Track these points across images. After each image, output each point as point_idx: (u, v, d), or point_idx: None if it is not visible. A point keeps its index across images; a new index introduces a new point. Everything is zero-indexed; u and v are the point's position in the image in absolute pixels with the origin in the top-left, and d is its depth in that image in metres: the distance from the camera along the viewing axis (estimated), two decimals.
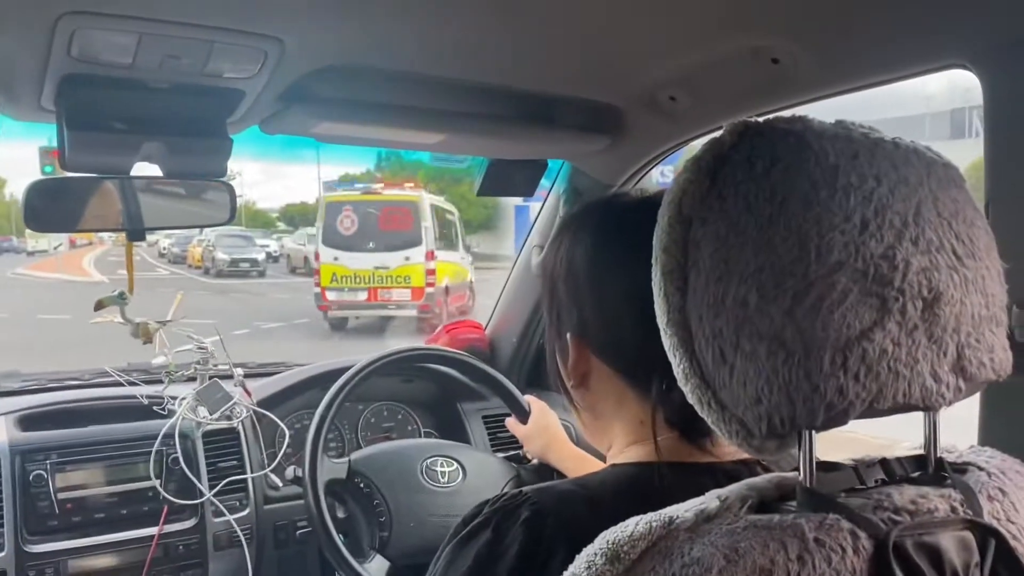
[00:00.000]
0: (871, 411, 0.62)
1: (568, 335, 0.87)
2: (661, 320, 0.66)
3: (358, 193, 11.84)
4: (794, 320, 0.58)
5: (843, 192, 0.61)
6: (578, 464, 1.51)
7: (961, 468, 0.73)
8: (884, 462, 0.69)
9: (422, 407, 2.06)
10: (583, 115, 1.49)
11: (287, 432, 1.79)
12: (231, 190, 1.46)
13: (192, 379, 1.84)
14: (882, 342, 0.59)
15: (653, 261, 0.66)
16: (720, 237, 0.62)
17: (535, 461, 1.67)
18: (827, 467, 0.67)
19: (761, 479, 0.68)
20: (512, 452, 1.76)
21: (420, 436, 2.03)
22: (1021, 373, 1.09)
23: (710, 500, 0.64)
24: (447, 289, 11.64)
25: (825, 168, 0.62)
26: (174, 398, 1.77)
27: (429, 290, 11.06)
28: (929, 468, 0.70)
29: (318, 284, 11.47)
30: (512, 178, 1.71)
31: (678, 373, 0.65)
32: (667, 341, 0.65)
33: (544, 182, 1.80)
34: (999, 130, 1.08)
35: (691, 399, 0.65)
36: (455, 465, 1.65)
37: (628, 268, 0.78)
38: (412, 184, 12.14)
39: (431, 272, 11.04)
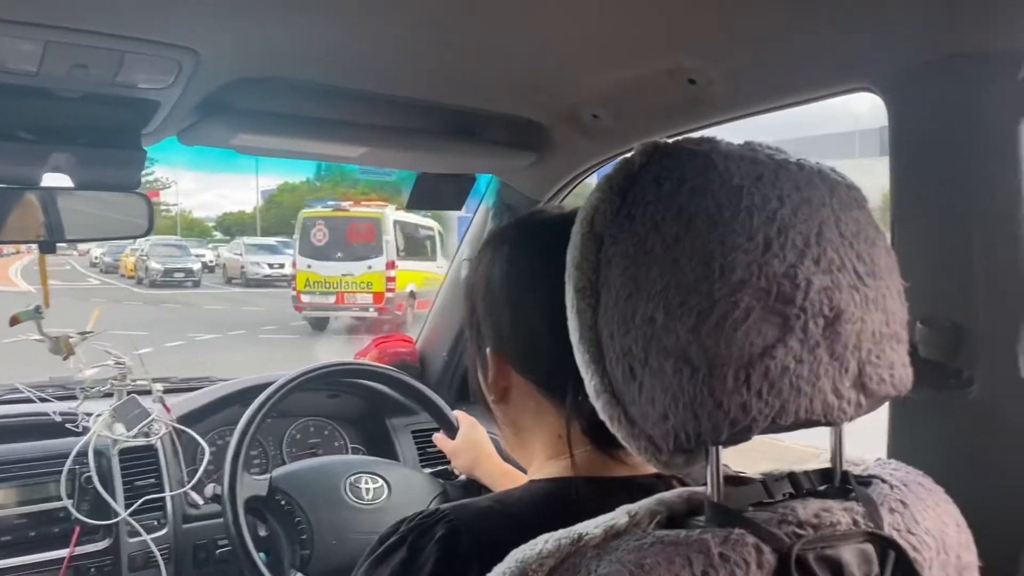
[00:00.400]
0: (774, 427, 0.63)
1: (487, 350, 0.88)
2: (574, 336, 0.66)
3: (330, 210, 13.74)
4: (699, 338, 0.59)
5: (747, 212, 0.62)
6: (506, 479, 1.51)
7: (866, 481, 0.75)
8: (792, 476, 0.70)
9: (349, 422, 2.03)
10: (509, 131, 1.50)
11: (207, 449, 1.74)
12: (148, 201, 1.42)
13: (109, 395, 1.78)
14: (784, 359, 0.60)
15: (567, 278, 0.67)
16: (629, 256, 0.63)
17: (463, 477, 1.67)
18: (736, 481, 0.68)
19: (671, 494, 0.68)
20: (440, 468, 1.74)
21: (347, 452, 2.00)
22: (926, 388, 1.13)
23: (619, 516, 0.65)
24: (412, 294, 13.26)
25: (730, 189, 0.63)
26: (89, 415, 1.71)
27: (389, 295, 12.75)
28: (835, 481, 0.72)
29: (294, 288, 13.40)
30: (441, 192, 1.71)
31: (590, 389, 0.66)
32: (579, 357, 0.66)
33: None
34: (903, 153, 1.11)
35: (602, 415, 0.65)
36: (380, 482, 1.63)
37: (543, 284, 0.79)
38: (380, 202, 13.86)
39: (391, 279, 12.72)
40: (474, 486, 1.61)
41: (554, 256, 0.71)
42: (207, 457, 1.73)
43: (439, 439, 1.69)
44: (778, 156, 0.68)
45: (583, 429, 0.82)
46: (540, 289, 0.81)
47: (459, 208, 1.78)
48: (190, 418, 1.79)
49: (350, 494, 1.59)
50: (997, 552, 1.11)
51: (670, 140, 0.67)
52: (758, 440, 0.64)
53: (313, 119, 1.31)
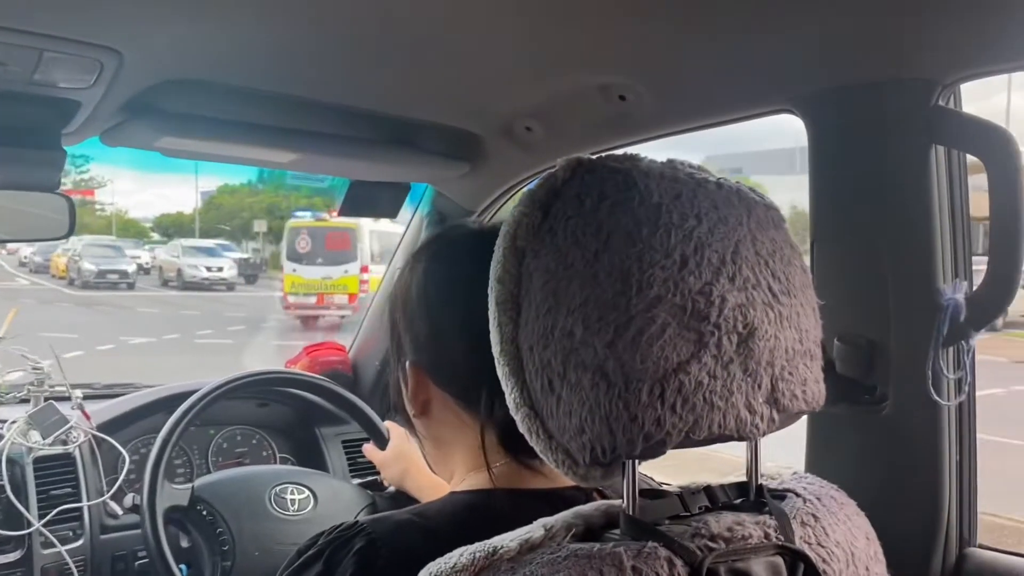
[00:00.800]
0: (688, 441, 0.64)
1: (407, 363, 0.87)
2: (495, 349, 0.66)
3: (312, 220, 15.50)
4: (615, 352, 0.60)
5: (665, 230, 0.63)
6: (435, 492, 1.49)
7: (780, 495, 0.77)
8: (708, 489, 0.71)
9: (278, 432, 1.99)
10: (443, 141, 1.49)
11: (128, 458, 1.69)
12: (70, 202, 1.38)
13: (25, 401, 1.72)
14: (698, 374, 0.62)
15: (489, 291, 0.67)
16: (550, 270, 0.63)
17: (392, 488, 1.65)
18: (654, 495, 0.69)
19: (589, 507, 0.69)
20: (370, 478, 1.72)
21: (276, 462, 1.96)
22: (843, 403, 1.17)
23: (536, 529, 0.65)
24: None
25: (649, 206, 0.64)
26: (3, 422, 1.64)
27: (362, 295, 14.11)
28: (751, 495, 0.73)
29: (282, 290, 15.12)
30: (375, 199, 1.70)
31: (510, 402, 0.66)
32: (500, 370, 0.66)
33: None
34: (821, 174, 1.15)
35: (521, 428, 0.65)
36: (306, 492, 1.60)
37: (460, 297, 0.79)
38: None
39: (364, 282, 14.13)
40: (403, 498, 1.59)
41: (472, 270, 0.71)
42: (127, 466, 1.68)
43: (368, 450, 1.68)
44: (698, 175, 0.70)
45: (502, 441, 0.82)
46: (457, 302, 0.81)
47: (394, 216, 1.77)
48: (111, 426, 1.74)
49: (275, 505, 1.56)
50: (907, 563, 1.15)
51: (593, 156, 0.68)
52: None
53: (241, 123, 1.29)
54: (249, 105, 1.27)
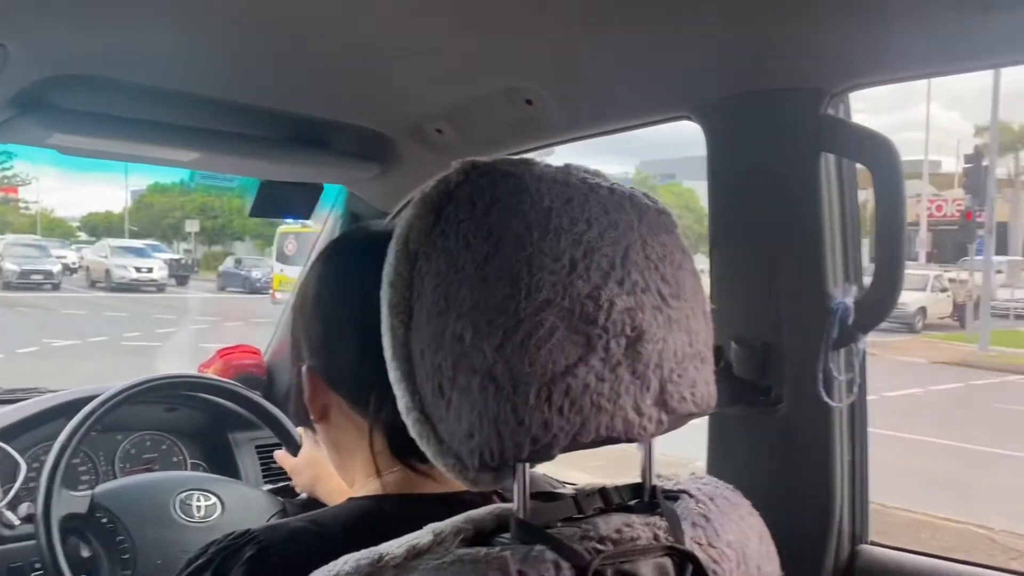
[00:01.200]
0: (575, 444, 0.64)
1: (304, 367, 0.86)
2: (387, 353, 0.65)
3: (299, 226, 16.71)
4: (504, 356, 0.60)
5: (555, 234, 0.63)
6: (345, 498, 1.48)
7: (674, 496, 0.77)
8: (603, 491, 0.71)
9: (189, 437, 1.94)
10: (353, 142, 1.48)
11: (24, 465, 1.63)
12: None
13: None
14: (586, 377, 0.62)
15: (381, 295, 0.66)
16: (441, 273, 0.63)
17: (304, 495, 1.62)
18: (548, 497, 0.69)
19: (482, 511, 0.68)
20: (282, 484, 1.69)
21: (186, 467, 1.92)
22: (740, 405, 1.19)
23: (424, 535, 0.64)
24: None
25: (539, 210, 0.64)
26: None
27: None
28: (644, 496, 0.73)
29: (271, 288, 15.97)
30: (287, 200, 1.67)
31: (401, 406, 0.65)
32: (392, 374, 0.65)
33: None
34: (719, 180, 1.17)
35: (412, 432, 0.64)
36: (213, 499, 1.56)
37: (354, 301, 0.78)
38: None
39: None
40: (315, 504, 1.56)
41: (366, 273, 0.70)
42: (23, 474, 1.62)
43: (280, 456, 1.64)
44: (591, 180, 0.70)
45: (394, 446, 0.81)
46: (351, 305, 0.80)
47: (307, 217, 1.74)
48: (8, 432, 1.67)
49: (179, 512, 1.52)
50: (801, 561, 1.18)
51: (488, 160, 0.68)
52: None
53: (140, 121, 1.25)
54: (148, 102, 1.24)
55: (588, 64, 1.16)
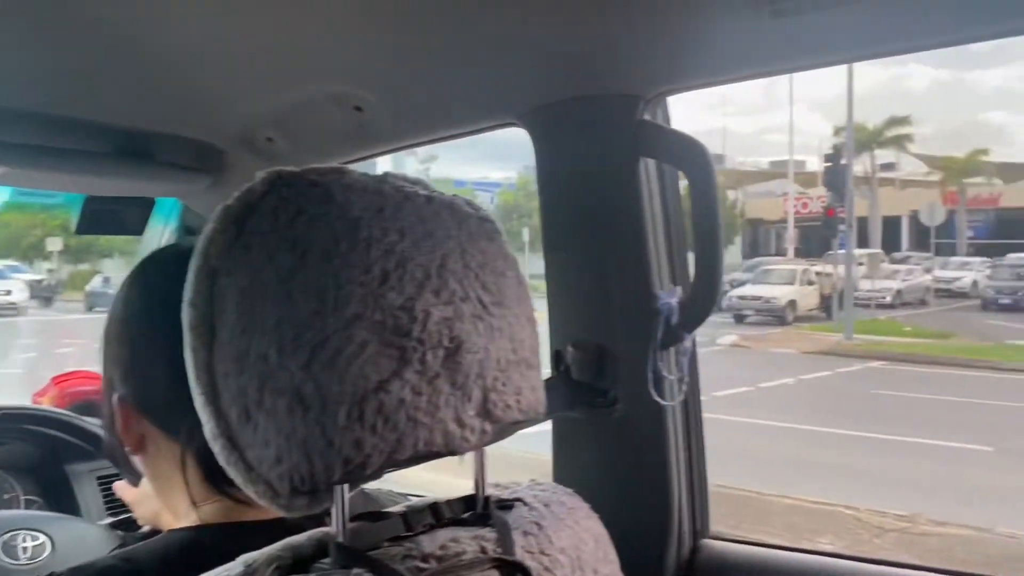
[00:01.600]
0: (392, 462, 0.61)
1: (114, 396, 0.81)
2: (190, 377, 0.62)
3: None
4: (312, 374, 0.57)
5: (364, 245, 0.61)
6: (219, 514, 1.42)
7: (508, 505, 0.76)
8: (434, 506, 0.70)
9: (22, 472, 1.82)
10: (180, 153, 1.41)
11: None
12: None
13: None
14: (400, 392, 0.60)
15: (183, 315, 0.62)
16: (243, 290, 0.60)
17: (147, 528, 1.54)
18: (375, 517, 0.67)
19: (301, 536, 0.65)
20: (124, 517, 1.60)
21: (20, 505, 1.79)
22: (579, 407, 1.20)
23: (235, 567, 0.61)
24: None
25: (347, 221, 0.61)
26: None
27: None
28: (477, 508, 0.72)
29: None
30: (116, 216, 1.58)
31: (208, 433, 0.61)
32: (196, 400, 0.61)
33: None
34: (549, 186, 1.18)
35: (220, 460, 0.61)
36: (42, 538, 1.46)
37: (159, 323, 0.74)
38: None
39: None
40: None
41: (172, 292, 0.66)
42: None
43: (119, 487, 1.54)
44: (408, 189, 0.68)
45: (211, 475, 0.77)
46: (157, 328, 0.76)
47: (139, 233, 1.66)
48: None
49: (4, 554, 1.41)
50: (644, 559, 1.20)
51: (295, 169, 0.65)
52: None
53: None
54: None
55: (414, 71, 1.14)
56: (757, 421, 9.20)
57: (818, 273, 18.57)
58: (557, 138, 1.14)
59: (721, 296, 1.06)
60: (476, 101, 1.19)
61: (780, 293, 17.74)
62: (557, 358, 1.21)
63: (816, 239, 22.41)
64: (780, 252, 27.81)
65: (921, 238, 25.64)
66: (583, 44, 1.02)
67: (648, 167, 1.13)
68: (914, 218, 24.89)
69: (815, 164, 27.77)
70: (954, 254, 24.54)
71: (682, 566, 1.22)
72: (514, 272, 0.73)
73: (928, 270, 21.46)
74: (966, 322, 16.56)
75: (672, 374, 1.15)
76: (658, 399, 1.12)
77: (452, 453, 0.67)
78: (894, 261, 22.47)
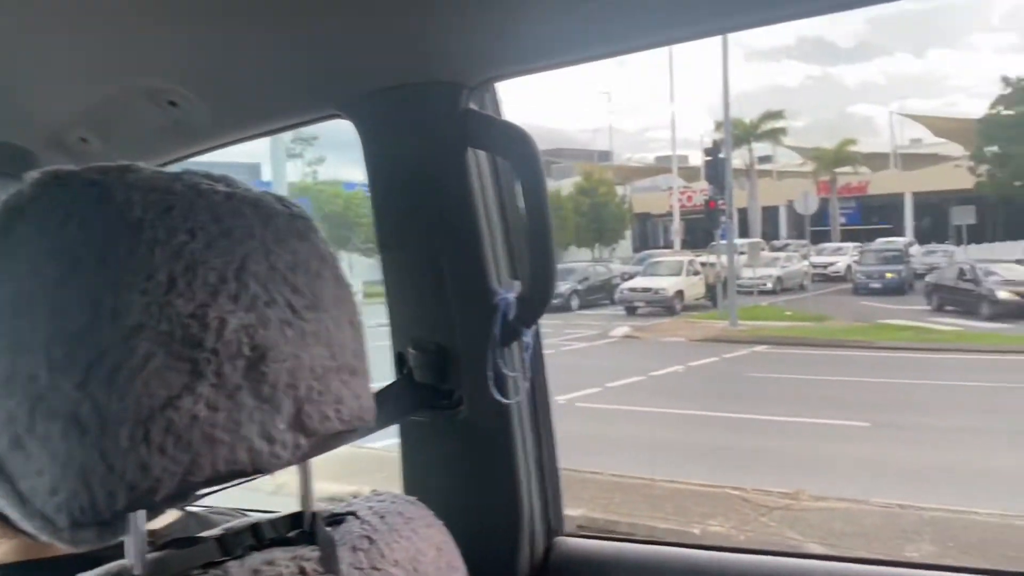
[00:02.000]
0: (189, 485, 0.56)
1: None
2: None
3: None
4: (89, 394, 0.52)
5: (147, 248, 0.56)
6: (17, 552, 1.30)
7: (339, 520, 0.72)
8: (256, 527, 0.66)
9: None
10: None
11: None
12: None
13: None
14: (193, 408, 0.55)
15: None
16: (9, 303, 0.54)
17: None
18: (184, 543, 0.62)
19: (96, 571, 0.59)
20: None
21: None
22: (424, 410, 1.15)
23: None
24: None
25: (127, 223, 0.56)
26: None
27: None
28: (304, 525, 0.68)
29: None
30: None
31: None
32: None
33: None
34: (378, 180, 1.12)
35: None
36: None
37: None
38: None
39: None
40: None
41: None
42: None
43: None
44: (204, 185, 0.63)
45: None
46: None
47: None
48: None
49: None
50: (496, 562, 1.17)
51: (72, 168, 0.59)
52: None
53: None
54: None
55: (229, 62, 1.08)
56: (649, 409, 9.42)
57: (703, 264, 19.21)
58: (383, 129, 1.09)
59: (555, 289, 1.03)
60: (296, 93, 1.13)
61: (668, 284, 18.26)
62: (399, 361, 1.16)
63: (701, 231, 23.23)
64: (668, 244, 28.73)
65: (798, 226, 26.92)
66: (404, 30, 0.97)
67: (480, 158, 1.09)
68: (791, 207, 26.09)
69: (698, 159, 28.74)
70: (829, 240, 25.85)
71: (535, 566, 1.19)
72: (332, 272, 0.69)
73: (805, 256, 22.53)
74: (842, 305, 17.46)
75: (515, 371, 1.12)
76: (500, 398, 1.08)
77: (260, 472, 0.63)
78: (774, 249, 23.48)
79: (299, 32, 0.98)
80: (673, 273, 18.79)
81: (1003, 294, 14.78)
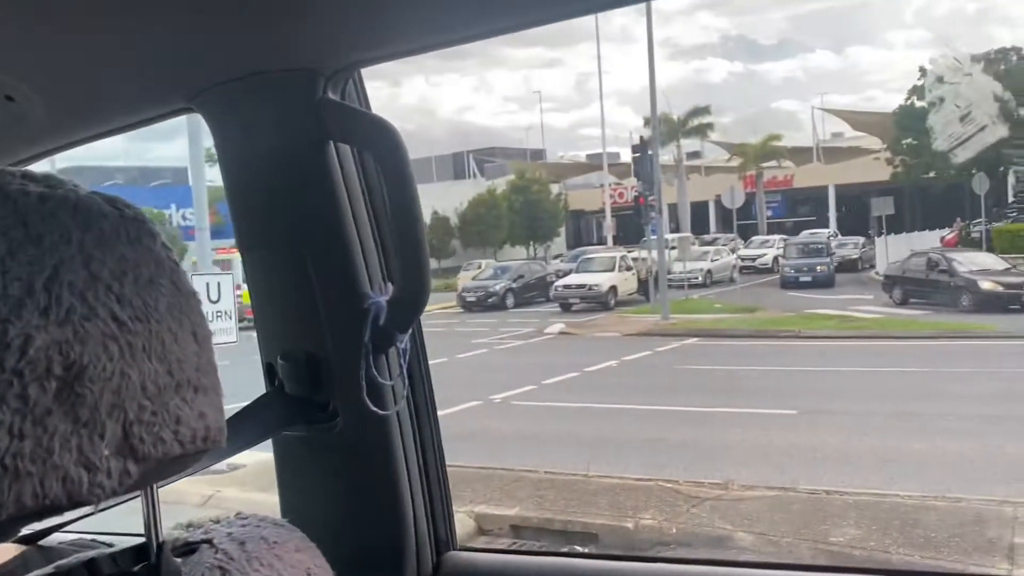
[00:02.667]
0: None
1: None
2: None
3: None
4: None
5: None
6: None
7: (192, 549, 0.65)
8: (92, 562, 0.59)
9: None
10: None
11: None
12: None
13: None
14: None
15: None
16: None
17: None
18: None
19: None
20: None
21: None
22: (296, 424, 1.08)
23: None
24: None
25: None
26: None
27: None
28: (151, 557, 0.61)
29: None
30: None
31: None
32: None
33: None
34: (233, 175, 1.04)
35: None
36: None
37: None
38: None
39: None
40: None
41: None
42: None
43: None
44: (14, 186, 0.54)
45: None
46: None
47: None
48: None
49: None
50: None
51: None
52: None
53: None
54: None
55: (70, 56, 0.98)
56: (584, 404, 9.47)
57: (635, 259, 19.43)
58: (235, 122, 1.01)
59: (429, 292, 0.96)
60: (143, 86, 1.04)
61: (601, 280, 18.43)
62: (269, 372, 1.08)
63: (633, 227, 23.48)
64: (601, 241, 28.99)
65: (727, 220, 27.46)
66: (252, 15, 0.90)
67: (345, 153, 1.02)
68: (719, 202, 26.59)
69: (629, 155, 29.11)
70: (756, 233, 26.44)
71: None
72: (171, 279, 0.61)
73: (733, 250, 23.00)
74: (769, 296, 17.88)
75: (390, 379, 1.05)
76: (374, 409, 1.01)
77: (78, 504, 0.55)
78: (703, 243, 23.91)
79: (142, 22, 0.90)
80: (606, 269, 18.97)
81: (987, 285, 14.16)
